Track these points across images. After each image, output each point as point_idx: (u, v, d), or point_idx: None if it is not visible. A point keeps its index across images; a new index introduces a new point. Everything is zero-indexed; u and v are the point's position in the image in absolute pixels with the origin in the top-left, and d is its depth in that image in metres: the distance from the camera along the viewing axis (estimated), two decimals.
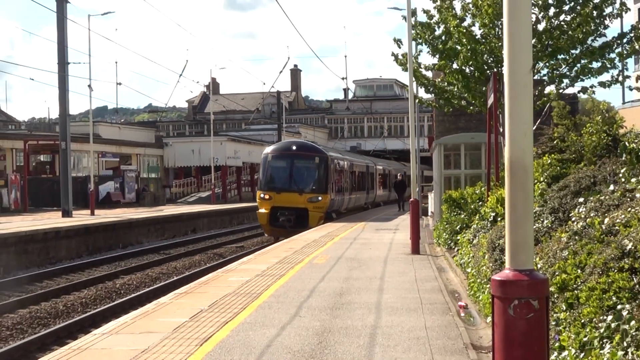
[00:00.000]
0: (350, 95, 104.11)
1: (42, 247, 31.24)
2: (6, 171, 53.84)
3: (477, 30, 23.43)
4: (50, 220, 38.96)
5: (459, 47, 23.19)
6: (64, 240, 33.05)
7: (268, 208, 39.52)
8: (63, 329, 18.16)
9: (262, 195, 40.19)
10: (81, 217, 41.92)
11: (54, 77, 44.86)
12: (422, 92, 30.01)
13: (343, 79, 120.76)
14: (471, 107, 25.04)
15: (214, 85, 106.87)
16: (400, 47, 25.84)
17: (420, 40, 24.85)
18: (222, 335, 11.24)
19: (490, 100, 18.77)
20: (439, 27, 24.23)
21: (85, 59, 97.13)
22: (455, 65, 23.97)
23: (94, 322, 18.58)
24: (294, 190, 39.87)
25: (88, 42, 66.91)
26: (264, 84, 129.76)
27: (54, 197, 50.16)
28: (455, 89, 24.57)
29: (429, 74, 27.02)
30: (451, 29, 23.26)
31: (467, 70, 23.69)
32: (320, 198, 40.14)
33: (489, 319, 11.11)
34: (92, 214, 45.61)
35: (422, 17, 24.97)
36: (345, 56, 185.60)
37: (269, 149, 42.59)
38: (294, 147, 41.65)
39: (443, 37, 23.99)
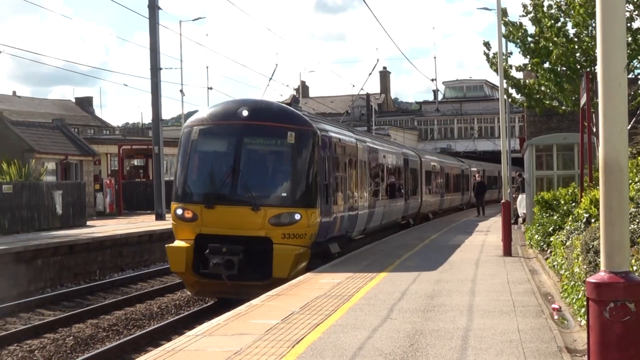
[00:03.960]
0: (440, 97, 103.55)
1: (136, 250, 31.78)
2: (101, 175, 54.92)
3: (570, 30, 23.21)
4: (143, 223, 39.61)
5: (551, 46, 22.95)
6: (158, 243, 33.53)
7: (190, 238, 20.72)
8: (157, 330, 18.45)
9: (178, 212, 21.06)
10: None
11: (147, 83, 45.76)
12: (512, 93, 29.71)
13: (432, 80, 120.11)
14: (563, 107, 24.74)
15: (303, 88, 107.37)
16: (489, 50, 25.85)
17: (512, 39, 24.74)
18: (313, 337, 11.29)
19: (583, 100, 18.49)
20: (533, 25, 24.09)
21: (177, 64, 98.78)
22: (547, 65, 23.76)
23: (187, 324, 18.83)
24: (242, 200, 20.60)
25: (180, 48, 68.40)
26: (354, 86, 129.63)
27: (148, 200, 50.98)
28: (548, 90, 24.37)
29: (520, 75, 26.83)
30: (544, 28, 23.07)
31: (560, 69, 23.45)
32: (298, 216, 20.54)
33: (583, 321, 10.95)
34: None
35: (513, 17, 24.91)
36: (435, 57, 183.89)
37: (194, 118, 22.66)
38: (245, 113, 21.24)
39: (536, 37, 23.81)
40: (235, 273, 19.92)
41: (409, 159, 39.90)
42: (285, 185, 21.18)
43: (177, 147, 22.26)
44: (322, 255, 22.57)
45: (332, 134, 23.58)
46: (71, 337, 18.00)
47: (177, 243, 20.99)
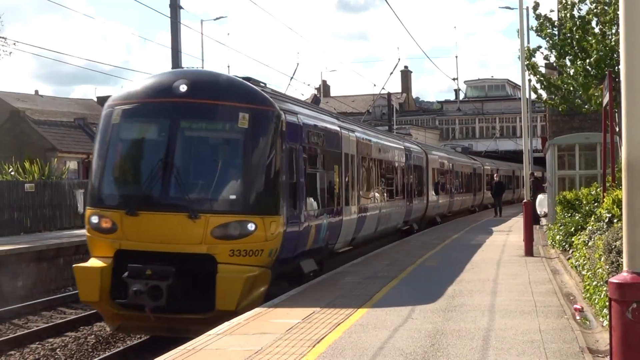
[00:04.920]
0: (462, 96, 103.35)
1: None
2: None
3: (595, 29, 23.29)
4: None
5: (591, 48, 23.01)
6: None
7: (108, 255, 15.77)
8: None
9: (93, 221, 16.09)
10: None
11: None
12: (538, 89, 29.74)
13: (454, 79, 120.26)
14: (586, 107, 24.68)
15: (324, 88, 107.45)
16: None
17: (540, 34, 24.84)
18: (334, 336, 11.27)
19: (606, 99, 18.39)
20: (561, 28, 24.21)
21: (199, 63, 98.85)
22: (567, 62, 23.85)
23: (209, 322, 18.83)
24: (176, 205, 15.70)
25: (201, 47, 68.34)
26: (375, 85, 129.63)
27: None
28: (571, 88, 24.39)
29: (543, 67, 26.88)
30: (574, 27, 23.19)
31: (589, 68, 23.48)
32: (252, 226, 15.57)
33: (606, 322, 10.90)
34: None
35: (542, 11, 25.07)
36: (456, 56, 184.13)
37: (118, 95, 17.21)
38: (183, 88, 16.22)
39: (568, 35, 23.91)
40: (166, 302, 14.85)
41: (413, 154, 34.91)
42: (235, 184, 16.01)
43: (95, 134, 17.37)
44: (293, 276, 17.69)
45: (304, 118, 18.48)
46: (92, 336, 18.08)
47: (91, 262, 15.87)
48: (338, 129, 21.72)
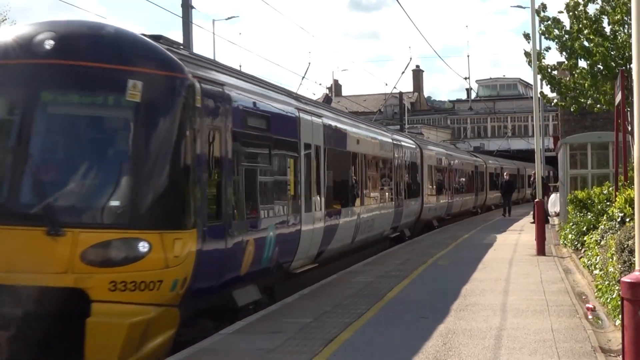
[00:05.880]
0: (473, 95, 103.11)
1: None
2: None
3: (606, 28, 23.29)
4: None
5: (592, 46, 23.00)
6: None
7: None
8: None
9: None
10: None
11: None
12: (547, 91, 29.67)
13: (466, 78, 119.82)
14: (598, 106, 24.66)
15: (336, 87, 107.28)
16: (529, 42, 25.87)
17: (549, 37, 24.81)
18: (346, 335, 11.28)
19: (618, 98, 18.37)
20: (570, 23, 24.23)
21: None
22: (582, 64, 23.86)
23: (222, 323, 18.83)
24: (30, 215, 10.65)
25: (213, 47, 68.33)
26: (386, 84, 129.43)
27: None
28: (583, 88, 24.37)
29: (555, 72, 26.81)
30: (583, 27, 23.17)
31: (596, 68, 23.47)
32: (144, 247, 10.57)
33: (618, 321, 10.90)
34: None
35: (551, 13, 25.06)
36: (468, 56, 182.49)
37: None
38: (48, 44, 11.04)
39: (573, 34, 23.90)
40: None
41: (405, 149, 30.28)
42: (120, 185, 11.10)
43: None
44: (224, 312, 13.06)
45: (237, 93, 13.37)
46: None
47: None
48: (295, 111, 16.68)
